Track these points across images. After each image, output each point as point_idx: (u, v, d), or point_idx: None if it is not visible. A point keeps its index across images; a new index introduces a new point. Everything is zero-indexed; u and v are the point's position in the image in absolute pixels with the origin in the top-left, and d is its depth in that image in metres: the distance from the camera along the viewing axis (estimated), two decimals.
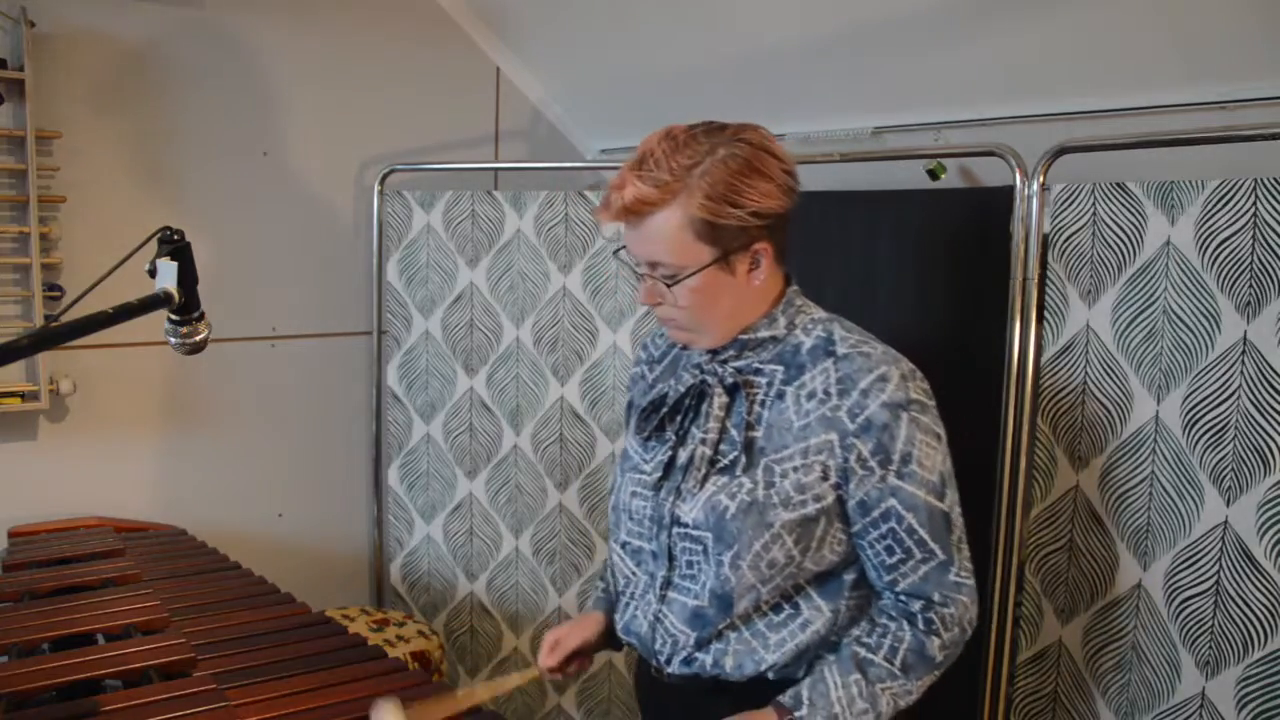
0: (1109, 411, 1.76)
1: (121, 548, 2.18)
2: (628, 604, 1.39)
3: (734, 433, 1.27)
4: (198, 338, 1.44)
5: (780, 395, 1.26)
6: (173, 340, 1.44)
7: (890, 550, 1.24)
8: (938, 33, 1.97)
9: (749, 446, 1.26)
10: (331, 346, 2.86)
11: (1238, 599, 1.55)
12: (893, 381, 1.21)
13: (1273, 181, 1.50)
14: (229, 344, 2.64)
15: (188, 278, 1.39)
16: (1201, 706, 1.61)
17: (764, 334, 1.29)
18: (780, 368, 1.28)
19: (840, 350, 1.25)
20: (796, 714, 1.21)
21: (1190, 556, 1.62)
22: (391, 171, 2.77)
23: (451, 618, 2.84)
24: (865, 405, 1.20)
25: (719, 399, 1.27)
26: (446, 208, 2.75)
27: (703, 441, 1.27)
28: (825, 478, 1.23)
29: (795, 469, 1.23)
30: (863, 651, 1.24)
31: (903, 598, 1.26)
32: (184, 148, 2.55)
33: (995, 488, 1.85)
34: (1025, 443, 1.82)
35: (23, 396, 2.31)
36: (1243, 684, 1.55)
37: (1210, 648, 1.59)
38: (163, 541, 2.31)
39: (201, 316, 1.44)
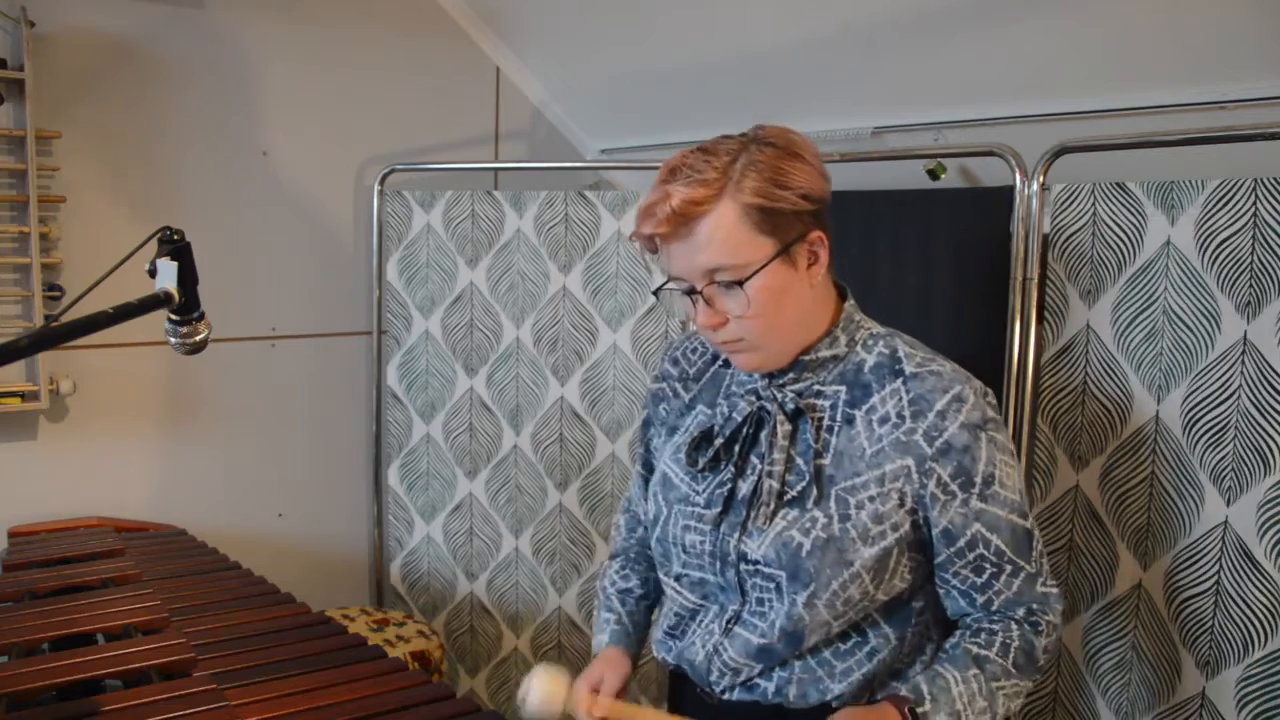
0: (1109, 411, 1.76)
1: (121, 548, 2.18)
2: (685, 632, 1.30)
3: (800, 462, 1.19)
4: (198, 338, 1.44)
5: (849, 420, 1.19)
6: (173, 340, 1.44)
7: (979, 570, 1.19)
8: (938, 33, 1.97)
9: (818, 475, 1.18)
10: (331, 346, 2.86)
11: (1238, 599, 1.55)
12: (969, 401, 1.15)
13: (1273, 181, 1.50)
14: (229, 344, 2.64)
15: (188, 278, 1.38)
16: (1202, 706, 1.61)
17: (825, 354, 1.21)
18: (843, 388, 1.21)
19: (908, 369, 1.18)
20: (919, 710, 1.13)
21: (1190, 556, 1.62)
22: (391, 171, 2.77)
23: (451, 618, 2.84)
24: (943, 427, 1.14)
25: (782, 427, 1.19)
26: (446, 208, 2.75)
27: (769, 474, 1.19)
28: (902, 504, 1.17)
29: (871, 499, 1.16)
30: (976, 649, 1.19)
31: (1000, 612, 1.21)
32: (184, 148, 2.55)
33: None
34: (1025, 443, 1.82)
35: (23, 396, 2.31)
36: (1243, 684, 1.55)
37: (1210, 648, 1.59)
38: (163, 541, 2.31)
39: (201, 316, 1.43)
